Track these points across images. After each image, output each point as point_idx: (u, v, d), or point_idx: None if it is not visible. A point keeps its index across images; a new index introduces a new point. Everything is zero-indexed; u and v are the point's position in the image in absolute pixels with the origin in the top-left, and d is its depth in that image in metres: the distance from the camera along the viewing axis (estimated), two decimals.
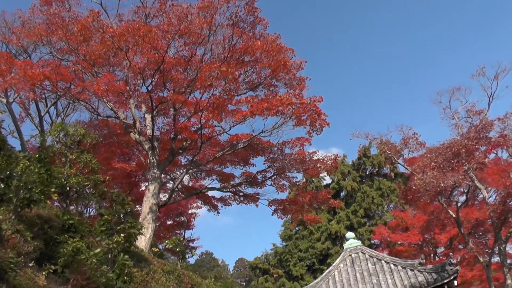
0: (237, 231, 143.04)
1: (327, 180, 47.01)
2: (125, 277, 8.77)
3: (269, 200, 17.79)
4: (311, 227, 43.43)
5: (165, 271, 10.42)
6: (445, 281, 22.24)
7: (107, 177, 10.14)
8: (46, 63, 16.39)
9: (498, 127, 20.31)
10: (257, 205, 18.07)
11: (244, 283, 53.76)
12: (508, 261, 22.05)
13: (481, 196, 37.20)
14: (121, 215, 8.96)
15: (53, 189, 8.88)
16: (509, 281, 20.38)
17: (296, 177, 16.99)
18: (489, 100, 22.63)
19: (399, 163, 21.38)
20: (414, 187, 21.74)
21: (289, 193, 25.84)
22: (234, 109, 15.24)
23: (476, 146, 18.74)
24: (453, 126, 22.84)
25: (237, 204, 18.38)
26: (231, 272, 71.37)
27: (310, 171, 15.97)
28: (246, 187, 17.70)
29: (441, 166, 18.97)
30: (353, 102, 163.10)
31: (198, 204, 26.65)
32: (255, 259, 48.59)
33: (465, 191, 23.52)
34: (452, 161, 18.93)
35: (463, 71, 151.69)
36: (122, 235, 8.73)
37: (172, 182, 18.98)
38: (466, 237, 22.05)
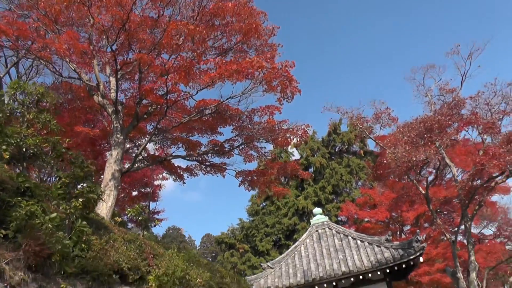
0: (206, 208, 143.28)
1: (296, 156, 47.07)
2: (82, 245, 8.35)
3: (237, 171, 17.35)
4: (278, 202, 43.45)
5: (126, 240, 10.00)
6: (411, 257, 22.40)
7: (67, 139, 9.54)
8: (1, 15, 15.48)
9: (470, 106, 20.40)
10: (223, 176, 17.61)
11: (210, 259, 53.63)
12: (472, 240, 22.25)
13: (448, 176, 37.80)
14: (80, 179, 8.47)
15: (4, 147, 8.30)
16: (472, 258, 20.66)
17: (265, 148, 16.53)
18: (462, 79, 22.71)
19: (370, 138, 21.23)
20: (385, 161, 21.68)
21: (258, 165, 25.53)
22: (201, 71, 14.55)
23: (449, 122, 18.69)
24: (426, 103, 22.87)
25: (204, 174, 17.85)
26: (197, 248, 71.39)
27: (280, 141, 15.52)
28: (212, 157, 17.18)
29: (414, 140, 18.89)
30: (326, 80, 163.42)
31: (164, 175, 26.17)
32: (222, 233, 48.45)
33: (435, 168, 23.58)
34: (425, 135, 18.85)
35: (439, 49, 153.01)
36: (80, 199, 8.27)
37: (136, 149, 18.35)
38: (434, 214, 22.20)
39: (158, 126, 16.24)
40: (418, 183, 22.95)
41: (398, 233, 38.59)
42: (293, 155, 46.76)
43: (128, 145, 19.12)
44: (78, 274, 8.04)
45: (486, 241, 35.14)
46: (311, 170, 46.35)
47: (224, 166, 17.19)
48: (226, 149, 16.63)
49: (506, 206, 37.22)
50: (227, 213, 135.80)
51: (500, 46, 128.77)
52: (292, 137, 15.66)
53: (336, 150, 47.21)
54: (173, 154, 17.64)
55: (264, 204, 46.20)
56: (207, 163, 17.18)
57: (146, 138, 17.31)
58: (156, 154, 20.54)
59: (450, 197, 27.02)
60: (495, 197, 37.02)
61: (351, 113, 21.36)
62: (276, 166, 16.24)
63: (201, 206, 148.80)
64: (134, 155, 16.19)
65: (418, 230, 24.53)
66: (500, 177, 20.58)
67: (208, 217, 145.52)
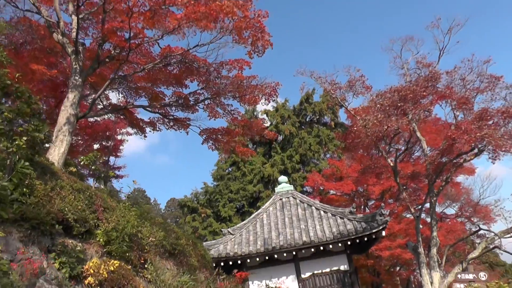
0: (174, 173, 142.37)
1: (266, 124, 46.50)
2: (24, 189, 7.68)
3: (201, 128, 16.60)
4: (244, 168, 43.04)
5: (75, 189, 9.33)
6: (374, 231, 22.33)
7: (18, 74, 8.71)
8: None
9: (446, 81, 20.15)
10: (187, 132, 16.81)
11: (174, 224, 53.06)
12: (435, 216, 22.26)
13: (416, 154, 37.97)
14: (26, 115, 7.73)
15: None
16: (434, 233, 20.69)
17: (232, 105, 15.80)
18: (440, 54, 22.35)
19: (342, 105, 20.74)
20: (355, 128, 21.35)
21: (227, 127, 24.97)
22: (168, 13, 13.59)
23: (424, 94, 18.33)
24: (402, 75, 22.49)
25: (167, 129, 17.05)
26: (162, 212, 70.93)
27: (247, 99, 14.83)
28: (176, 110, 16.38)
29: (386, 109, 18.55)
30: (301, 46, 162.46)
31: (128, 130, 25.32)
32: (185, 197, 47.90)
33: (406, 141, 23.38)
34: (399, 104, 18.50)
35: (419, 21, 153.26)
36: (25, 138, 7.55)
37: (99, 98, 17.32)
38: (400, 187, 22.05)
39: (120, 71, 15.29)
40: (387, 155, 22.74)
41: (363, 207, 38.75)
42: (264, 123, 46.25)
43: (92, 96, 18.18)
44: (16, 220, 7.38)
45: (448, 220, 35.59)
46: (280, 138, 46.04)
47: (188, 122, 16.39)
48: (191, 102, 15.83)
49: (470, 187, 37.76)
50: (194, 178, 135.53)
51: (480, 23, 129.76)
52: (260, 96, 14.98)
53: (307, 120, 46.85)
54: (135, 104, 16.76)
55: (230, 169, 45.71)
56: (170, 117, 16.36)
57: (109, 87, 16.36)
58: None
59: (417, 172, 26.93)
60: (460, 178, 37.45)
61: (324, 78, 20.82)
62: (241, 123, 15.46)
63: (170, 170, 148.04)
64: (92, 100, 15.10)
65: (382, 204, 24.44)
66: (469, 154, 20.50)
67: (175, 182, 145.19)
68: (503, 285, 7.98)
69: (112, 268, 8.32)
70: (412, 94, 18.16)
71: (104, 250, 9.08)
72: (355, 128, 21.44)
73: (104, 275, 8.09)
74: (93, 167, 11.33)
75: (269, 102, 14.84)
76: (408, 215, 37.68)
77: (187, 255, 12.90)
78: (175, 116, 16.32)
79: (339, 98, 20.65)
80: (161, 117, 16.23)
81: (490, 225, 27.42)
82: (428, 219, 32.90)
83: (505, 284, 10.65)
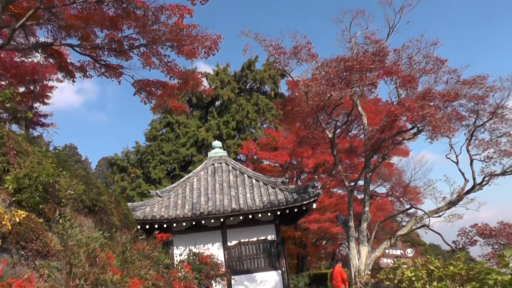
0: (109, 132, 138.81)
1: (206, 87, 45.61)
2: None
3: (135, 79, 15.59)
4: (179, 130, 42.13)
5: None
6: (305, 202, 22.24)
7: None
8: None
9: (393, 58, 20.09)
10: (119, 81, 15.75)
11: (105, 184, 51.48)
12: (369, 191, 22.44)
13: (353, 132, 38.42)
14: None
15: None
16: (366, 208, 20.85)
17: (169, 56, 14.88)
18: (389, 32, 22.12)
19: (285, 71, 20.28)
20: (296, 93, 21.03)
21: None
22: None
23: (371, 66, 18.15)
24: (349, 49, 22.14)
25: (98, 75, 15.92)
26: (93, 170, 69.06)
27: (186, 50, 13.95)
28: (109, 55, 15.28)
29: (331, 77, 18.26)
30: (249, 12, 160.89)
31: (59, 77, 23.80)
32: (115, 155, 46.55)
33: (347, 113, 23.32)
34: (344, 73, 18.25)
35: None
36: None
37: (25, 35, 15.86)
38: (336, 159, 22.01)
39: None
40: (326, 126, 22.59)
41: (296, 179, 38.97)
42: (203, 85, 45.24)
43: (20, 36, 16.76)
44: None
45: (378, 198, 36.38)
46: (218, 103, 45.38)
47: (120, 70, 15.35)
48: (125, 48, 14.76)
49: (402, 168, 38.64)
50: (128, 137, 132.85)
51: (432, 5, 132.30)
52: (200, 48, 14.19)
53: (247, 87, 46.28)
54: (63, 42, 15.42)
55: (164, 130, 44.64)
56: (102, 62, 15.26)
57: (38, 26, 15.02)
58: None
59: (354, 146, 27.15)
60: (394, 159, 38.27)
61: (269, 42, 20.19)
62: (177, 74, 14.59)
63: (106, 129, 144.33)
64: (12, 29, 13.69)
65: (316, 177, 24.41)
66: (408, 133, 20.70)
67: (110, 141, 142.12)
68: (433, 260, 7.85)
69: (18, 220, 7.46)
70: (359, 66, 17.92)
71: (13, 199, 8.18)
72: (296, 94, 21.13)
73: (7, 227, 7.26)
74: (8, 105, 10.32)
75: (209, 55, 14.05)
76: (339, 191, 38.34)
77: (108, 213, 12.17)
78: (107, 62, 15.20)
79: (282, 64, 20.13)
80: (92, 61, 15.07)
81: (418, 206, 28.06)
82: (359, 196, 33.61)
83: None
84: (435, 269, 7.67)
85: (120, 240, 10.34)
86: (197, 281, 10.94)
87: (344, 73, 18.23)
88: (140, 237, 11.64)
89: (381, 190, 37.83)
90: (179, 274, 9.44)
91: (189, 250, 13.23)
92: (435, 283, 7.39)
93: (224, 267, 18.20)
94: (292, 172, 38.70)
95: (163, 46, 14.25)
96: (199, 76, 14.22)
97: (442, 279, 7.48)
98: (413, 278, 8.12)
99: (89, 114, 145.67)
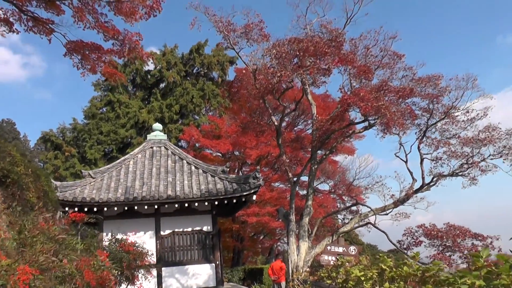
0: (53, 111, 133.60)
1: (150, 67, 43.99)
2: None
3: (68, 39, 14.06)
4: (119, 110, 40.27)
5: None
6: (245, 193, 21.40)
7: None
8: None
9: (349, 47, 19.51)
10: (49, 40, 14.20)
11: (42, 164, 48.78)
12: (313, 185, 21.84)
13: (299, 126, 37.94)
14: None
15: None
16: (309, 202, 20.22)
17: (106, 16, 13.50)
18: (346, 22, 21.34)
19: (233, 49, 19.23)
20: (244, 71, 20.18)
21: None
22: None
23: (326, 50, 17.38)
24: (303, 35, 21.36)
25: (25, 30, 14.29)
26: (31, 148, 65.92)
27: (125, 9, 12.69)
28: (38, 7, 13.63)
29: (283, 56, 17.39)
30: None
31: None
32: (50, 131, 43.98)
33: (295, 101, 22.54)
34: (298, 53, 17.40)
35: None
36: None
37: None
38: (281, 148, 21.24)
39: None
40: (272, 112, 21.70)
41: (237, 171, 38.13)
42: (148, 65, 43.62)
43: None
44: None
45: (320, 195, 36.11)
46: (162, 85, 43.84)
47: (51, 25, 13.82)
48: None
49: (347, 166, 38.53)
50: (69, 113, 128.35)
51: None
52: (140, 8, 12.93)
53: (194, 71, 44.85)
54: None
55: (104, 109, 42.71)
56: (29, 14, 13.68)
57: None
58: None
59: (301, 137, 26.58)
60: (338, 157, 38.14)
61: (219, 18, 19.06)
62: (111, 33, 13.17)
63: (49, 108, 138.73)
64: None
65: (258, 167, 23.67)
66: (360, 126, 20.18)
67: (53, 121, 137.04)
68: (386, 259, 7.07)
69: None
70: (313, 48, 17.11)
71: None
72: (243, 71, 20.22)
73: None
74: None
75: (150, 16, 12.84)
76: (281, 185, 37.81)
77: (23, 188, 10.92)
78: (35, 15, 13.66)
79: (231, 42, 19.05)
80: (17, 11, 13.47)
81: (360, 208, 27.84)
82: (301, 192, 33.15)
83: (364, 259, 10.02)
84: (387, 268, 6.90)
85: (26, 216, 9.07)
86: (117, 271, 9.74)
87: (298, 53, 17.36)
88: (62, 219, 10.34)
89: (324, 187, 37.62)
90: (93, 263, 8.25)
91: (112, 235, 11.93)
92: (386, 284, 6.64)
93: (152, 257, 17.24)
94: (234, 163, 37.88)
95: (99, 2, 12.87)
96: (136, 39, 12.88)
97: (394, 280, 6.74)
98: (362, 278, 7.34)
99: (35, 90, 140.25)
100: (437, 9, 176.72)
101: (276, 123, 20.69)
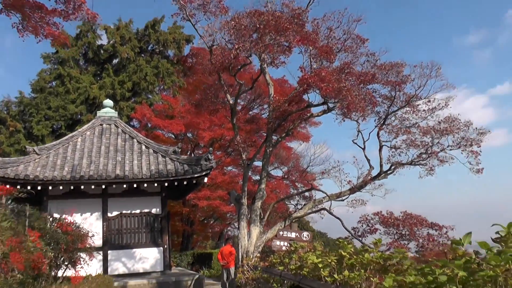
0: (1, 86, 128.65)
1: (104, 41, 42.59)
2: None
3: None
4: (69, 85, 38.57)
5: None
6: (196, 175, 20.89)
7: None
8: None
9: (312, 27, 19.09)
10: None
11: None
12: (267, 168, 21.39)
13: (255, 111, 37.48)
14: None
15: None
16: (263, 186, 19.71)
17: None
18: (309, 2, 20.93)
19: (189, 21, 18.42)
20: (199, 42, 19.49)
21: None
22: None
23: (288, 26, 16.82)
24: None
25: None
26: None
27: None
28: None
29: (242, 28, 16.76)
30: None
31: None
32: None
33: (252, 79, 21.95)
34: (258, 27, 16.79)
35: None
36: None
37: None
38: (236, 129, 20.58)
39: None
40: (227, 90, 20.97)
41: (190, 153, 37.41)
42: (101, 39, 42.21)
43: None
44: None
45: (273, 180, 35.91)
46: (116, 61, 42.46)
47: None
48: None
49: (302, 153, 38.34)
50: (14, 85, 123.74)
51: None
52: None
53: (149, 48, 43.59)
54: None
55: (53, 83, 41.01)
56: None
57: None
58: None
59: (256, 117, 26.11)
60: (293, 144, 37.93)
61: None
62: None
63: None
64: None
65: (211, 148, 23.09)
66: (318, 109, 19.77)
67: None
68: (347, 245, 6.66)
69: None
70: (274, 22, 16.53)
71: None
72: (198, 42, 19.52)
73: None
74: None
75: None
76: (234, 169, 37.39)
77: None
78: None
79: (187, 13, 18.25)
80: None
81: (314, 194, 27.64)
82: (254, 178, 32.82)
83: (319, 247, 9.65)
84: (347, 255, 6.49)
85: None
86: (53, 254, 9.01)
87: (258, 26, 16.75)
88: None
89: (277, 173, 37.46)
90: (25, 244, 7.52)
91: (50, 215, 11.05)
92: (346, 272, 6.23)
93: (97, 239, 16.54)
94: (187, 145, 37.22)
95: None
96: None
97: (354, 267, 6.35)
98: (320, 265, 6.92)
99: None
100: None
101: (231, 102, 20.07)
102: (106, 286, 9.99)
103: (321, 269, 6.82)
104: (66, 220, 10.70)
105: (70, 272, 11.05)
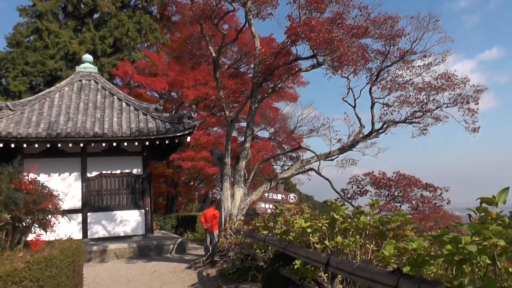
0: None
1: None
2: None
3: None
4: (48, 40, 37.04)
5: None
6: (178, 134, 20.13)
7: None
8: None
9: None
10: None
11: None
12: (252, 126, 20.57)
13: (241, 70, 36.45)
14: None
15: None
16: (247, 144, 18.92)
17: None
18: None
19: None
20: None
21: None
22: None
23: None
24: None
25: None
26: None
27: None
28: None
29: None
30: None
31: None
32: None
33: (237, 30, 21.00)
34: None
35: None
36: None
37: None
38: (219, 82, 19.69)
39: None
40: (209, 40, 19.89)
41: (174, 112, 36.50)
42: None
43: None
44: None
45: (259, 140, 35.30)
46: (96, 15, 40.86)
47: None
48: None
49: (290, 114, 37.64)
50: None
51: None
52: None
53: (131, 3, 41.78)
54: None
55: (31, 38, 39.48)
56: None
57: None
58: None
59: (241, 72, 25.18)
60: (280, 104, 37.20)
61: None
62: None
63: None
64: None
65: (194, 106, 22.31)
66: (307, 63, 18.84)
67: None
68: (340, 207, 5.91)
69: None
70: None
71: None
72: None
73: None
74: None
75: None
76: (219, 130, 36.59)
77: None
78: None
79: None
80: None
81: (301, 154, 26.97)
82: (239, 139, 32.14)
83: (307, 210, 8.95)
84: (340, 218, 5.73)
85: None
86: (9, 216, 8.16)
87: None
88: None
89: (264, 135, 36.84)
90: None
91: (7, 171, 10.11)
92: (339, 238, 5.48)
93: (75, 200, 15.78)
94: (171, 104, 36.33)
95: None
96: None
97: (347, 232, 5.62)
98: (308, 230, 6.15)
99: None
100: None
101: (214, 55, 19.10)
102: (73, 251, 9.27)
103: (310, 235, 6.08)
104: (26, 178, 9.81)
105: (45, 237, 10.31)
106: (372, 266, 4.48)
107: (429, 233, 3.61)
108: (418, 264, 3.63)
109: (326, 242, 5.76)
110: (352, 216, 5.83)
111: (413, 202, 17.70)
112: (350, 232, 5.58)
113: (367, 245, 5.26)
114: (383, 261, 4.52)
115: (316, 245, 6.16)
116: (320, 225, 6.02)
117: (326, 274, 5.91)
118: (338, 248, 5.57)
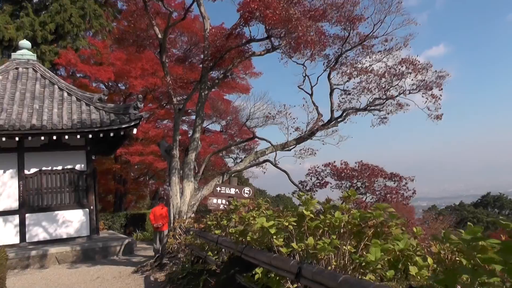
0: None
1: None
2: None
3: None
4: None
5: None
6: (123, 126, 19.03)
7: None
8: None
9: None
10: None
11: None
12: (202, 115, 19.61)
13: (192, 60, 35.42)
14: None
15: None
16: (197, 135, 18.01)
17: None
18: None
19: None
20: None
21: None
22: None
23: None
24: None
25: None
26: None
27: None
28: None
29: None
30: None
31: None
32: None
33: (185, 8, 20.01)
34: None
35: None
36: None
37: None
38: (165, 67, 18.64)
39: None
40: (154, 21, 18.75)
41: (120, 103, 35.36)
42: None
43: None
44: None
45: (210, 133, 34.68)
46: (35, 0, 38.94)
47: None
48: None
49: (241, 106, 37.15)
50: None
51: None
52: None
53: None
54: None
55: None
56: None
57: None
58: None
59: (188, 56, 24.11)
60: (232, 96, 36.64)
61: None
62: None
63: None
64: None
65: (140, 96, 21.16)
66: (261, 48, 18.00)
67: None
68: (312, 201, 5.04)
69: None
70: None
71: None
72: None
73: None
74: None
75: None
76: (169, 123, 35.57)
77: None
78: None
79: None
80: None
81: (255, 147, 26.45)
82: (191, 131, 31.28)
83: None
84: (310, 215, 4.83)
85: None
86: None
87: None
88: None
89: (215, 128, 36.29)
90: None
91: None
92: (310, 240, 4.50)
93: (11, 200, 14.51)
94: (118, 96, 35.11)
95: None
96: None
97: (318, 231, 4.72)
98: (272, 231, 5.18)
99: None
100: None
101: (159, 35, 18.01)
102: None
103: (274, 236, 5.15)
104: None
105: None
106: (365, 281, 3.47)
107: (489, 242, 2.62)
108: (449, 280, 2.68)
109: (294, 244, 4.79)
110: (323, 212, 4.95)
111: (377, 193, 17.24)
112: (320, 231, 4.71)
113: (344, 247, 4.38)
114: (366, 267, 3.74)
115: (281, 249, 5.29)
116: (287, 224, 5.10)
117: (295, 286, 4.97)
118: (310, 253, 4.62)
